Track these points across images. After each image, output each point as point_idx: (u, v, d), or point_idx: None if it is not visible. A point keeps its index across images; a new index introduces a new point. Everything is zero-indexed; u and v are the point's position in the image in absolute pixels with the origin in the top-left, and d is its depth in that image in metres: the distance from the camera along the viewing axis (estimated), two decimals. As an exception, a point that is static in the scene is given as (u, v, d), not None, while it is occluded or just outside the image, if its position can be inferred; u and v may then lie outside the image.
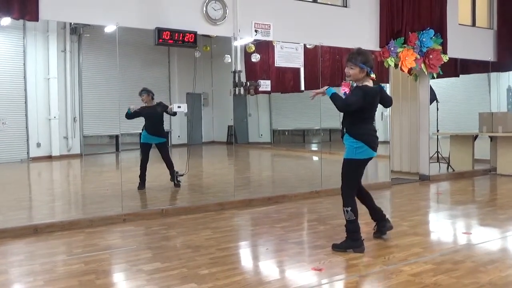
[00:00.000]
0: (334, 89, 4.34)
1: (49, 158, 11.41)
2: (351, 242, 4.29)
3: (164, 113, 7.53)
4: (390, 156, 8.78)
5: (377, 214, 4.67)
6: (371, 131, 4.35)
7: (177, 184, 7.59)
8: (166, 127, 7.93)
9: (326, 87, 4.37)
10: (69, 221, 5.42)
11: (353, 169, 4.35)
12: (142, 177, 7.41)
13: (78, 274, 3.80)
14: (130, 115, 7.28)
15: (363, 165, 4.36)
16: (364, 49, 4.46)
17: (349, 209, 4.27)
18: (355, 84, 4.37)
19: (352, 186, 4.36)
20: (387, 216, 4.77)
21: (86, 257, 4.26)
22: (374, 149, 4.34)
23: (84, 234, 5.09)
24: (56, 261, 4.18)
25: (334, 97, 4.28)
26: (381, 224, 4.67)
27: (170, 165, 7.61)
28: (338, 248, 4.32)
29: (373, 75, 4.33)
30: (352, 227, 4.29)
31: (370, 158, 4.38)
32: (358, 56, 4.29)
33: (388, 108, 9.14)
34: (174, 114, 7.50)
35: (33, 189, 8.66)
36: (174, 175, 7.57)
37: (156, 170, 8.00)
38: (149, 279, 3.66)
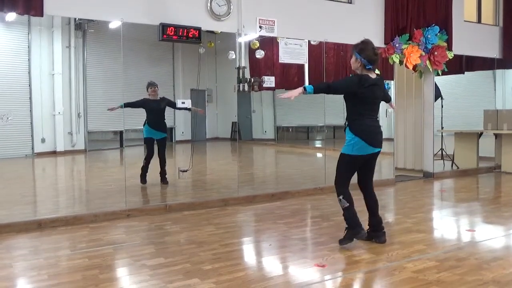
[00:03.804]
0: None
1: (54, 153, 11.48)
2: (352, 231, 4.27)
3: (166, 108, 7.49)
4: (394, 153, 8.76)
5: (375, 224, 4.47)
6: (371, 127, 4.27)
7: (165, 182, 7.50)
8: (170, 123, 7.92)
9: (301, 88, 4.04)
10: (73, 216, 5.44)
11: (347, 164, 4.32)
12: (144, 169, 7.39)
13: (81, 269, 3.82)
14: (132, 105, 7.24)
15: (358, 161, 4.30)
16: (368, 41, 4.30)
17: (341, 197, 4.26)
18: None
19: (345, 178, 4.32)
20: (390, 215, 4.74)
21: (90, 252, 4.28)
22: (374, 146, 4.26)
23: (88, 229, 5.11)
24: (60, 255, 4.21)
25: (317, 87, 4.10)
26: (376, 235, 4.46)
27: (164, 162, 7.52)
28: (343, 242, 4.29)
29: (371, 69, 4.23)
30: (348, 214, 4.28)
31: (372, 154, 4.29)
32: (358, 45, 4.27)
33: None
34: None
35: (37, 184, 8.70)
36: (164, 174, 7.50)
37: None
38: (152, 274, 3.67)
